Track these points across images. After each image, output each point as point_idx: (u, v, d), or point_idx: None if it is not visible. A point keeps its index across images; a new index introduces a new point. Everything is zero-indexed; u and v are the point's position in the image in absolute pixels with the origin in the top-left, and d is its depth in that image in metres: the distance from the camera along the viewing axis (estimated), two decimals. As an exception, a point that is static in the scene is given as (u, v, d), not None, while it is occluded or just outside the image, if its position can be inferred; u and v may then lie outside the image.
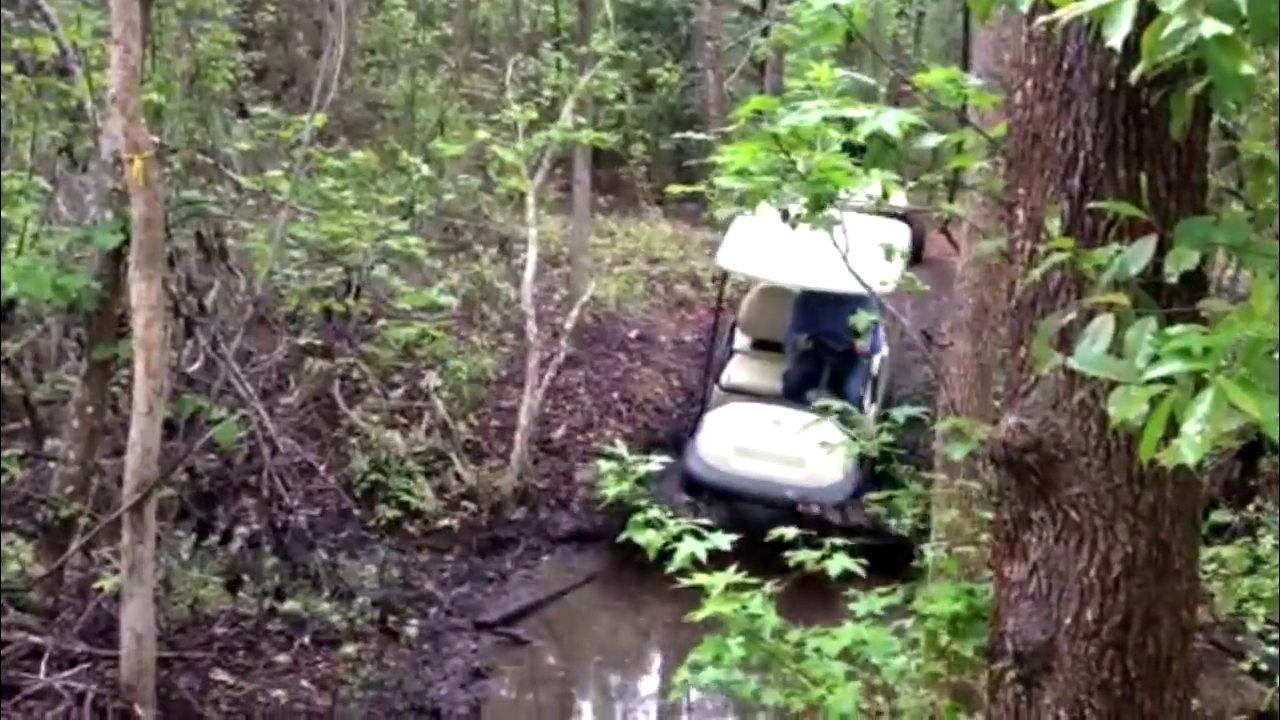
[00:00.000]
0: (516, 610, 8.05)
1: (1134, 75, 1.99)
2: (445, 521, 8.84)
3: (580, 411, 10.92)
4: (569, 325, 10.85)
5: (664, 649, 7.91)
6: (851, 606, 3.25)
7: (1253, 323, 1.80)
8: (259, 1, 13.26)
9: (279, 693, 6.40)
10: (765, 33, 17.46)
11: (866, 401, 9.35)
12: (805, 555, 3.69)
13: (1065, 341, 2.25)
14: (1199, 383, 1.77)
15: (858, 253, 9.53)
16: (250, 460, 7.63)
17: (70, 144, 6.79)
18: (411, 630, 7.41)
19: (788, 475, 8.59)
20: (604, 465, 3.65)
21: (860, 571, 3.29)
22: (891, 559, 6.77)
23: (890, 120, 2.75)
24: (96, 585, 6.03)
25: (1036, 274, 2.38)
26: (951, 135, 3.01)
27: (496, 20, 17.66)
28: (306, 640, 6.91)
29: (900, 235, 9.15)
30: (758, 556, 4.37)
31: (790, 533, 3.46)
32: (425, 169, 9.71)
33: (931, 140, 2.87)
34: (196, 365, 7.42)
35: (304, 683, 6.60)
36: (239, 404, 7.17)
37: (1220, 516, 6.18)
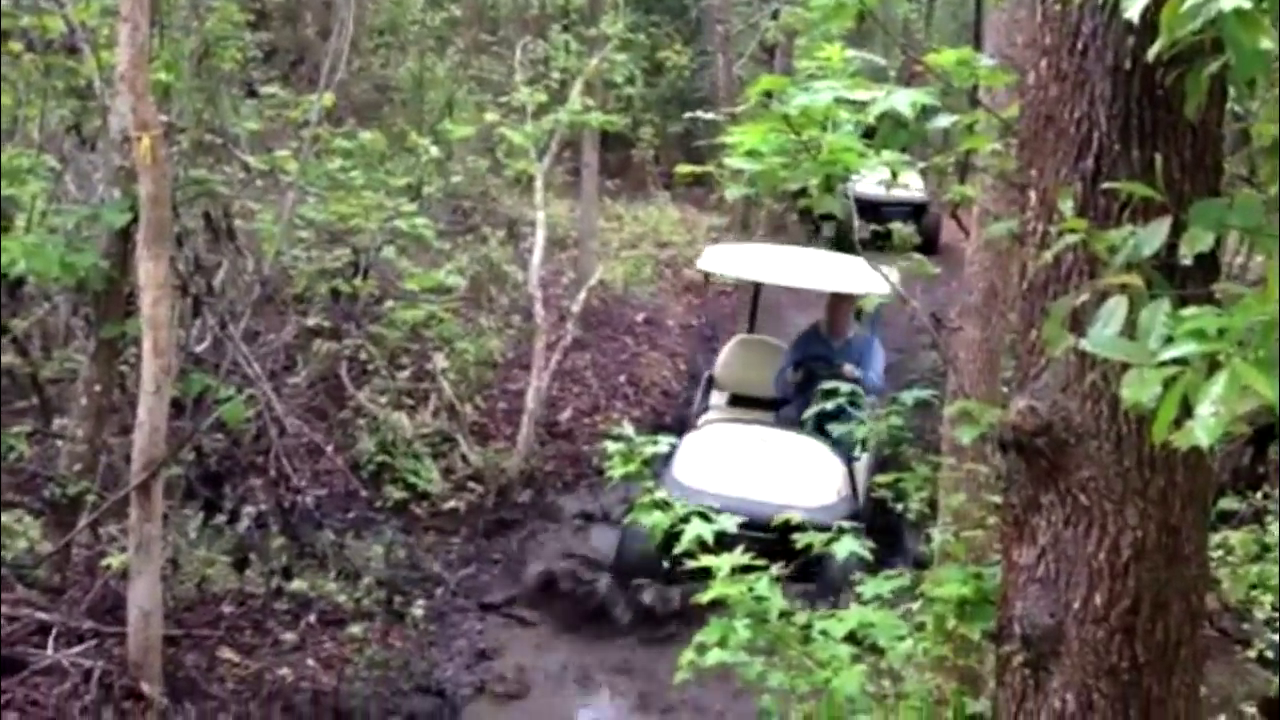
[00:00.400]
0: (523, 591, 8.05)
1: (1151, 53, 1.97)
2: (452, 503, 8.85)
3: (587, 394, 10.94)
4: (576, 308, 10.84)
5: (674, 631, 7.89)
6: (859, 589, 3.25)
7: (1268, 305, 1.78)
8: (268, -19, 13.24)
9: (285, 671, 6.41)
10: (775, 16, 17.38)
11: (857, 449, 8.48)
12: (811, 537, 3.68)
13: (1077, 324, 2.24)
14: (1213, 365, 1.76)
15: (833, 272, 8.89)
16: (258, 440, 7.65)
17: (79, 122, 6.80)
18: (418, 611, 7.42)
19: (770, 496, 7.57)
20: (611, 446, 3.65)
21: (868, 556, 3.28)
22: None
23: (902, 100, 2.73)
24: (104, 563, 6.05)
25: (1048, 255, 2.37)
26: (963, 116, 2.99)
27: (505, 2, 17.62)
28: (313, 619, 6.92)
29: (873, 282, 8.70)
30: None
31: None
32: (433, 150, 9.69)
33: (944, 121, 2.85)
34: (204, 345, 7.43)
35: (310, 662, 6.61)
36: (246, 384, 7.19)
37: (1228, 504, 6.16)
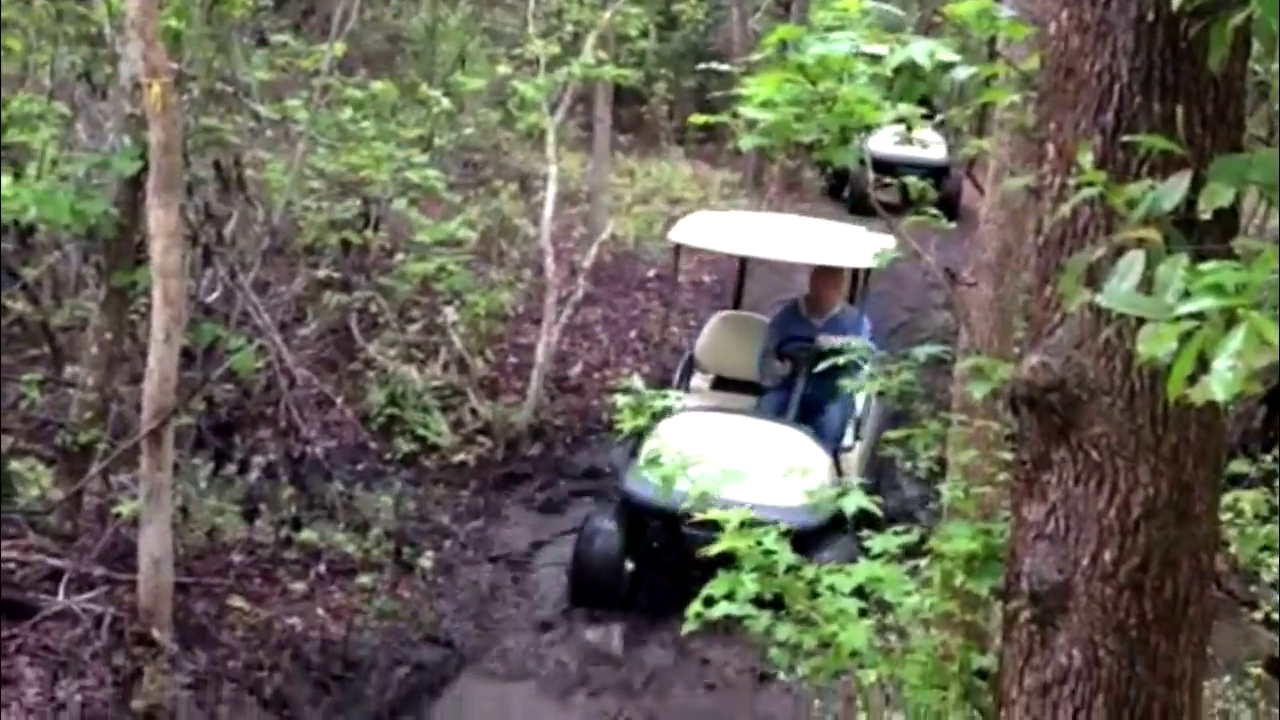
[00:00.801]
0: (531, 544, 8.09)
1: (1175, 4, 1.93)
2: (461, 456, 8.88)
3: (597, 349, 10.93)
4: (587, 263, 10.81)
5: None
6: (867, 544, 3.25)
7: (1288, 260, 1.75)
8: (279, -71, 13.10)
9: (295, 620, 6.46)
10: (792, -31, 17.19)
11: (848, 438, 7.67)
12: (824, 493, 3.66)
13: (1093, 279, 2.21)
14: (1230, 320, 1.73)
15: (820, 244, 8.17)
16: (268, 391, 7.66)
17: (89, 69, 6.75)
18: (426, 562, 7.46)
19: (745, 495, 6.88)
20: (620, 399, 3.65)
21: (878, 511, 3.28)
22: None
23: (920, 50, 2.69)
24: (115, 511, 6.07)
25: (1065, 210, 2.34)
26: (982, 69, 2.95)
27: (519, -47, 17.44)
28: (322, 570, 6.97)
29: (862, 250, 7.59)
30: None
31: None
32: (445, 102, 9.62)
33: (962, 73, 2.81)
34: (214, 295, 7.42)
35: (319, 611, 6.66)
36: (256, 335, 7.19)
37: (1239, 466, 6.14)
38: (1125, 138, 2.34)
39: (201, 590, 6.27)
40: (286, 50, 8.67)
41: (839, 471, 7.29)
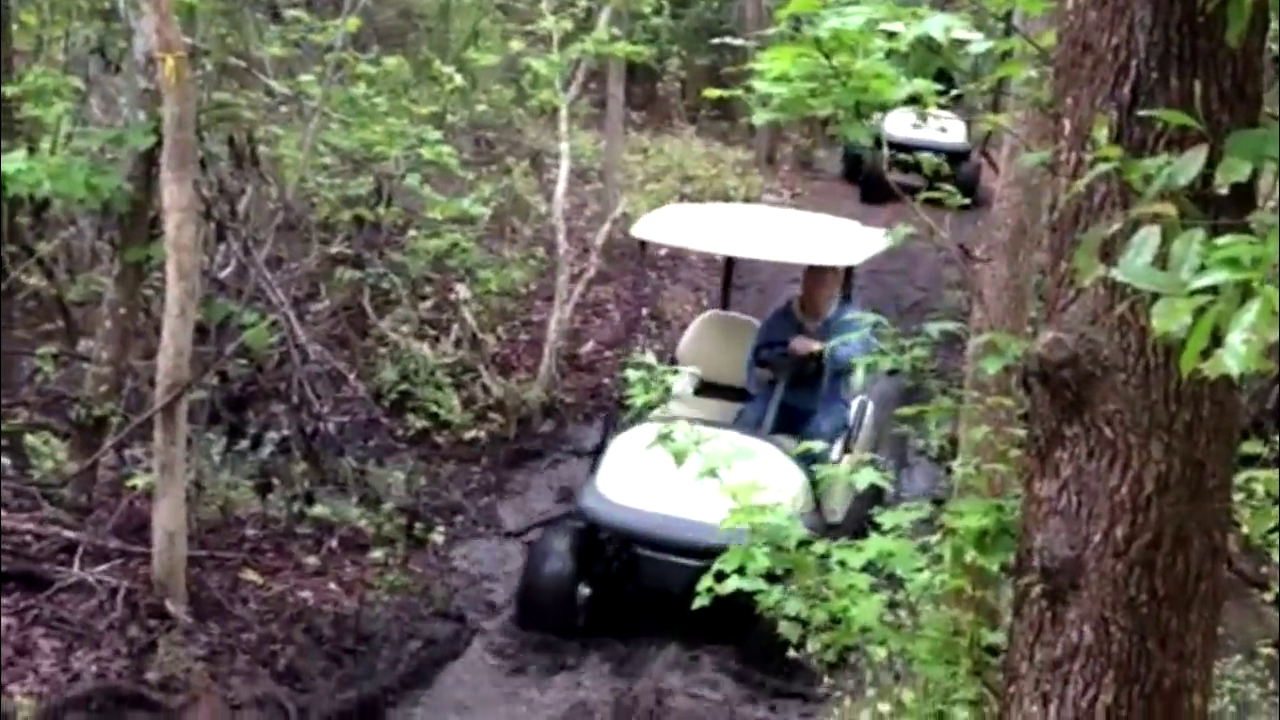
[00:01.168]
0: (541, 520, 8.12)
1: (1193, -24, 1.92)
2: (472, 433, 8.91)
3: (609, 327, 10.94)
4: (599, 241, 10.80)
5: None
6: (878, 519, 3.26)
7: (1304, 235, 1.75)
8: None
9: (307, 594, 6.50)
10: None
11: (836, 450, 6.73)
12: (832, 471, 3.65)
13: (1108, 255, 2.21)
14: (1245, 294, 1.73)
15: (797, 240, 7.33)
16: (280, 367, 7.69)
17: (103, 44, 6.76)
18: (438, 538, 7.50)
19: (707, 515, 5.85)
20: (632, 374, 3.65)
21: (889, 487, 3.28)
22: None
23: (936, 25, 2.67)
24: (129, 484, 6.11)
25: (1081, 184, 2.33)
26: (998, 43, 2.93)
27: (533, -71, 17.37)
28: (334, 544, 7.01)
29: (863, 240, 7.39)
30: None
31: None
32: (458, 79, 9.61)
33: (978, 47, 2.80)
34: (228, 271, 7.45)
35: (332, 585, 6.70)
36: (269, 310, 7.21)
37: (1251, 448, 6.12)
38: (1142, 112, 2.32)
39: (215, 563, 6.32)
40: (300, 26, 8.67)
41: (814, 488, 6.48)
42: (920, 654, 3.08)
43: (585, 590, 6.70)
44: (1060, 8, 2.57)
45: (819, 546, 3.30)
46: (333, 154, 8.56)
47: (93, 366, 6.40)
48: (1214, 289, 1.76)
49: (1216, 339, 1.74)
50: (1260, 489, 4.51)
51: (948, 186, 3.60)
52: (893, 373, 3.43)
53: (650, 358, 3.76)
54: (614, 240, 11.46)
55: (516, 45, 10.82)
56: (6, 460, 6.26)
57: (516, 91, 12.02)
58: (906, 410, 3.36)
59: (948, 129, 13.13)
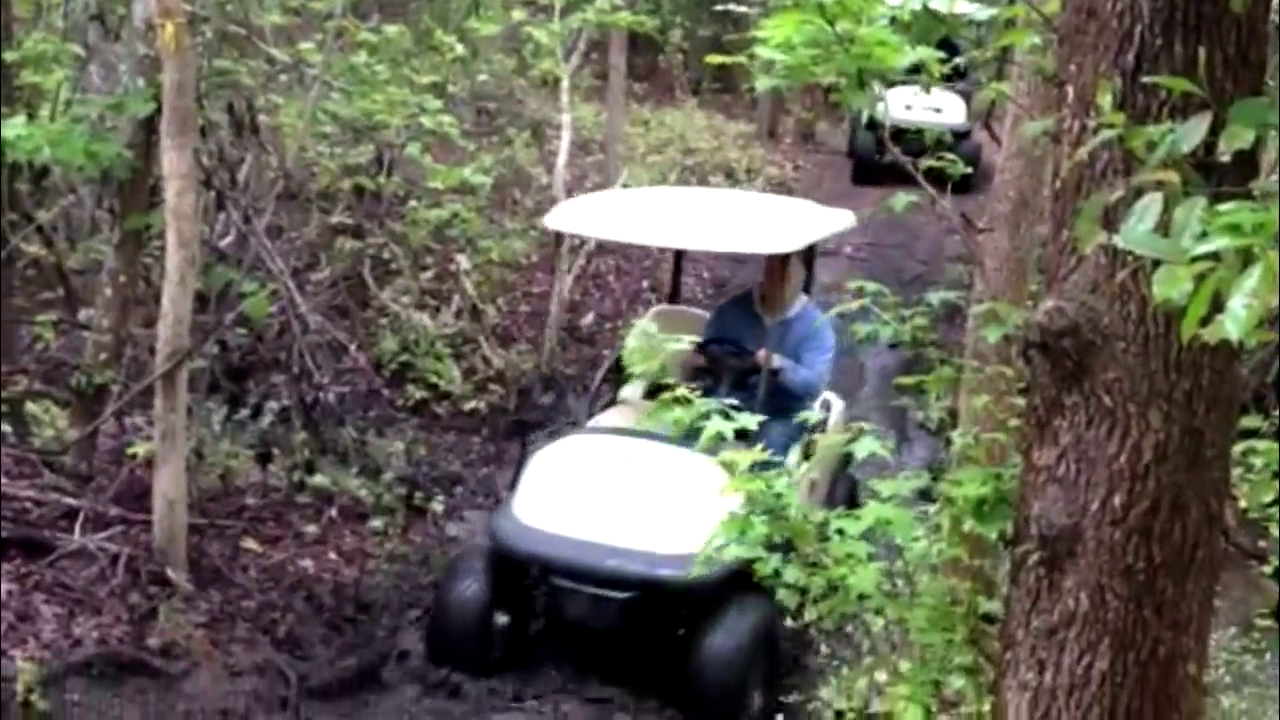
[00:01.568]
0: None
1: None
2: (472, 404, 8.92)
3: (609, 299, 10.93)
4: (601, 212, 10.73)
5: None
6: (876, 488, 3.26)
7: (1307, 201, 1.74)
8: None
9: (307, 563, 6.53)
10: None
11: (792, 458, 6.03)
12: (832, 441, 3.64)
13: (1109, 222, 2.20)
14: (1246, 261, 1.73)
15: (738, 225, 6.48)
16: (281, 336, 7.69)
17: (103, 10, 6.73)
18: (437, 507, 7.52)
19: (628, 540, 5.60)
20: (631, 342, 3.64)
21: (888, 456, 3.29)
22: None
23: (940, -9, 2.66)
24: (130, 451, 6.13)
25: (1084, 151, 2.32)
26: (1002, 10, 2.92)
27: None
28: (334, 514, 7.03)
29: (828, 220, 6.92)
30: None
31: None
32: (459, 48, 9.56)
33: (982, 14, 2.78)
34: (228, 239, 7.44)
35: (332, 555, 6.73)
36: (269, 280, 7.20)
37: (1251, 421, 6.13)
38: (1145, 79, 2.32)
39: (215, 532, 6.34)
40: (300, -7, 8.62)
41: None
42: (918, 622, 3.09)
43: (503, 618, 5.89)
44: (1065, -26, 2.55)
45: (817, 515, 3.31)
46: (333, 123, 8.53)
47: (93, 334, 6.40)
48: (1215, 256, 1.75)
49: (1217, 306, 1.74)
50: (1259, 461, 4.52)
51: (950, 155, 3.58)
52: (894, 346, 3.42)
53: (652, 325, 3.74)
54: (615, 212, 11.42)
55: (518, 15, 10.74)
56: (7, 428, 6.26)
57: (518, 61, 11.97)
58: (906, 380, 3.36)
59: (947, 108, 13.07)
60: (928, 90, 3.64)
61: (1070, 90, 2.50)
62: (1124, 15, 2.38)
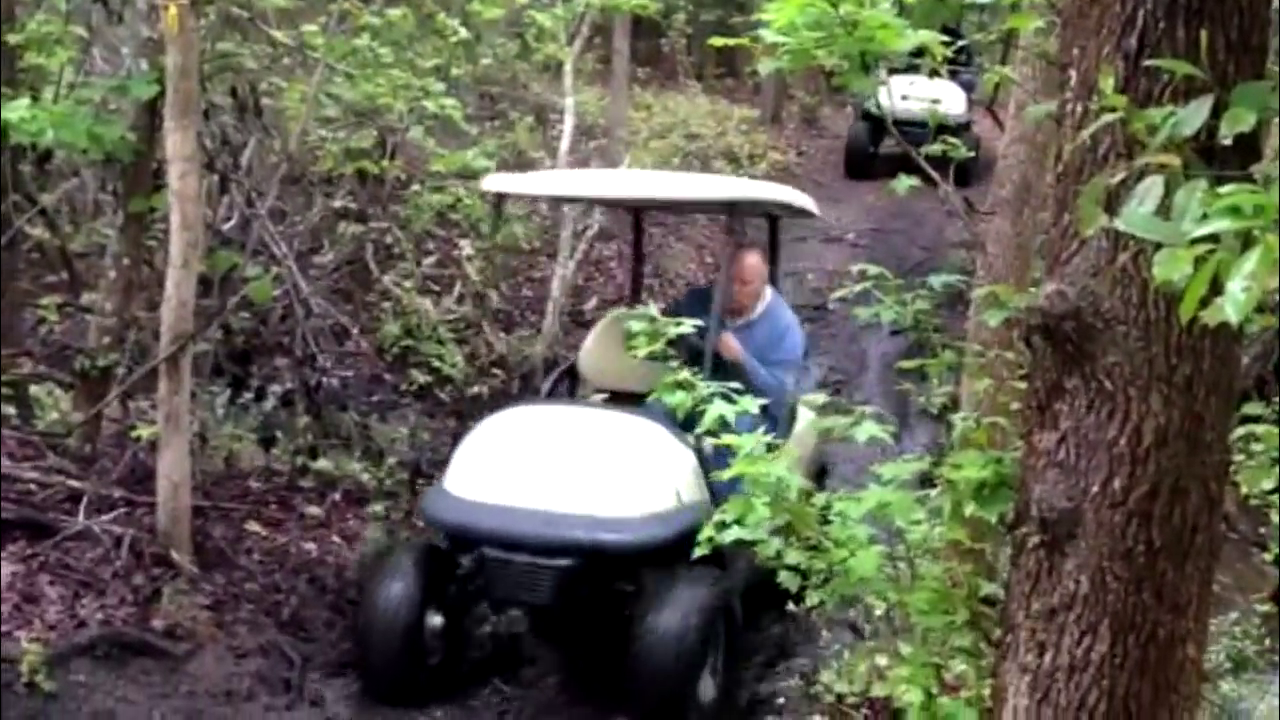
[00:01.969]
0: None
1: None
2: (475, 389, 8.92)
3: (612, 284, 10.93)
4: (604, 197, 10.71)
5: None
6: (877, 471, 3.27)
7: (1307, 184, 1.75)
8: None
9: (310, 546, 6.55)
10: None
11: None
12: (832, 423, 3.66)
13: (1111, 206, 2.21)
14: (1246, 243, 1.73)
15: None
16: (284, 320, 7.70)
17: (106, -8, 6.71)
18: (440, 492, 7.52)
19: (566, 504, 5.18)
20: (634, 325, 3.65)
21: (889, 439, 3.29)
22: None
23: (943, -26, 2.66)
24: (134, 434, 6.14)
25: (1086, 134, 2.33)
26: (1005, -6, 2.91)
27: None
28: (338, 497, 7.05)
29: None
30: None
31: None
32: (462, 32, 9.54)
33: (985, -2, 2.78)
34: (231, 223, 7.44)
35: (335, 538, 6.75)
36: (273, 263, 7.21)
37: (1252, 409, 6.13)
38: (1148, 63, 2.32)
39: (219, 515, 6.35)
40: (303, -24, 8.60)
41: (706, 471, 5.16)
42: (918, 605, 3.10)
43: (436, 619, 5.39)
44: (1068, -42, 2.55)
45: (819, 498, 3.32)
46: (336, 106, 8.52)
47: (97, 318, 6.41)
48: (1215, 239, 1.76)
49: (1217, 289, 1.75)
50: (1259, 446, 4.53)
51: (952, 140, 3.58)
52: (895, 332, 3.41)
53: (654, 309, 3.75)
54: (618, 197, 11.41)
55: (521, -1, 10.71)
56: (11, 410, 6.28)
57: (521, 45, 11.94)
58: (908, 363, 3.36)
59: (947, 98, 13.03)
60: (931, 76, 3.63)
61: (1073, 74, 2.50)
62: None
